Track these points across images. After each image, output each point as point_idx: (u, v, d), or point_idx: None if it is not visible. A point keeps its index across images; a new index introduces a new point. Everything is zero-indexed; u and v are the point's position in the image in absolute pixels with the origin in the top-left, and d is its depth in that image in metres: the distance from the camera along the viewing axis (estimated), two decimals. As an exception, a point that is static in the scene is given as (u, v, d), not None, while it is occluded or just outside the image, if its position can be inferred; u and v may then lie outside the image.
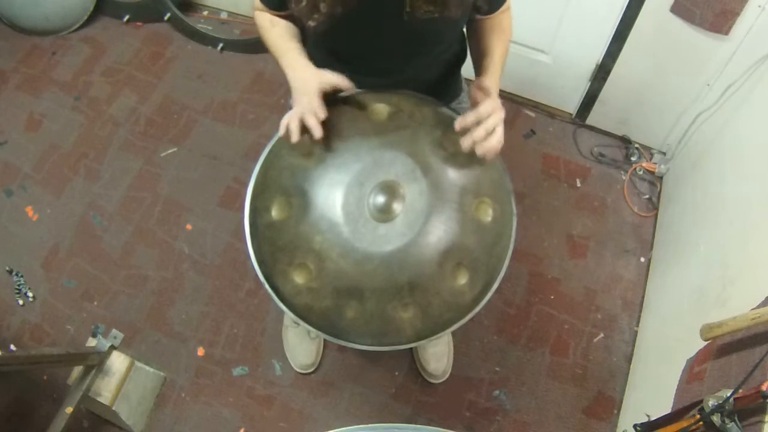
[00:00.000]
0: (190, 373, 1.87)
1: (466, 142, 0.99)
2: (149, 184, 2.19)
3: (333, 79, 1.04)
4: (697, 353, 1.29)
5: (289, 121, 1.02)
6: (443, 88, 1.27)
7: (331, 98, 1.14)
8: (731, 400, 0.95)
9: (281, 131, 1.03)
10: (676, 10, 1.72)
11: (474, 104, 1.03)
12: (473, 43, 1.19)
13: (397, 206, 1.00)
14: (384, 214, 1.00)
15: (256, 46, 2.43)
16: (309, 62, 1.08)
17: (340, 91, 1.07)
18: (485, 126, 0.98)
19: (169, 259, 2.05)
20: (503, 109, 1.03)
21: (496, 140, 0.99)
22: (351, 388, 1.84)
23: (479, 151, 0.99)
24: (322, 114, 1.01)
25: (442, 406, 1.81)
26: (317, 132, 1.00)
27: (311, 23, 0.99)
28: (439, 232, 1.00)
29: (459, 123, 1.02)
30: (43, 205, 2.17)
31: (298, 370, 1.84)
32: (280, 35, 1.13)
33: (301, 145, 1.05)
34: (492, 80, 1.07)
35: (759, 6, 1.59)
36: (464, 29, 1.24)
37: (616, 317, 1.94)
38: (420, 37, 1.07)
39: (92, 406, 1.75)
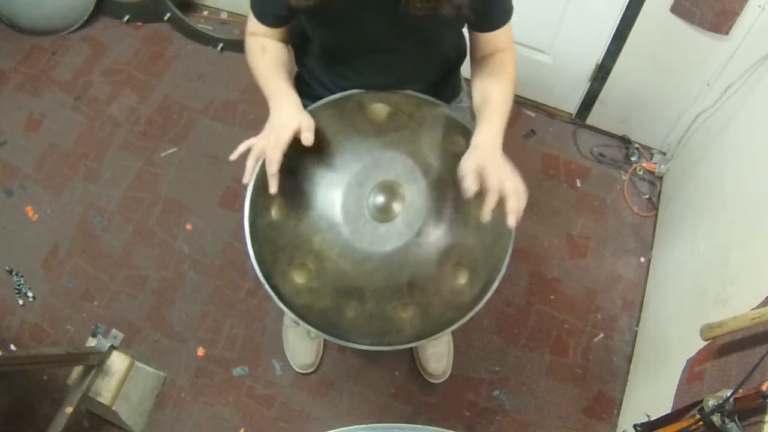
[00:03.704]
0: (190, 373, 1.87)
1: (511, 221, 0.94)
2: (149, 184, 2.19)
3: (309, 126, 0.99)
4: (697, 353, 1.29)
5: (248, 158, 0.99)
6: (443, 87, 1.27)
7: (330, 100, 1.14)
8: (731, 400, 0.95)
9: (246, 180, 0.99)
10: (676, 10, 1.72)
11: (465, 175, 0.96)
12: (473, 87, 1.14)
13: (396, 206, 1.00)
14: (384, 213, 1.00)
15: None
16: (298, 99, 1.05)
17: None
18: (511, 194, 0.94)
19: (169, 259, 2.05)
20: (505, 168, 0.96)
21: (524, 195, 0.95)
22: (351, 388, 1.84)
23: (511, 220, 0.94)
24: (278, 158, 0.96)
25: (442, 406, 1.81)
26: (273, 185, 0.96)
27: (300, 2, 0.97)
28: (439, 232, 1.00)
29: (486, 214, 0.95)
30: (43, 205, 2.17)
31: (298, 370, 1.84)
32: (269, 63, 1.09)
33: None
34: (485, 135, 1.01)
35: (759, 6, 1.59)
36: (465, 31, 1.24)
37: (616, 317, 1.94)
38: (415, 34, 1.05)
39: (92, 406, 1.75)
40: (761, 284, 1.18)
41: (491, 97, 1.06)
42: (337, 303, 1.01)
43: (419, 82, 1.16)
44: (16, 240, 2.10)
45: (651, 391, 1.61)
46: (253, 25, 1.11)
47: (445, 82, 1.28)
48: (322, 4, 0.95)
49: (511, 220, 0.94)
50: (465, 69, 1.31)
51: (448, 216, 1.01)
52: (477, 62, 1.15)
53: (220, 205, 2.14)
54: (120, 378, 1.71)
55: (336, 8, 0.97)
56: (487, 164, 0.95)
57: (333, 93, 1.15)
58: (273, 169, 0.96)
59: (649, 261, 2.03)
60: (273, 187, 0.97)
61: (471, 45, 1.14)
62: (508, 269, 1.05)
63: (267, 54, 1.10)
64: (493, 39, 1.10)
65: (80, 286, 2.01)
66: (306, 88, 1.29)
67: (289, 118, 1.00)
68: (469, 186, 0.94)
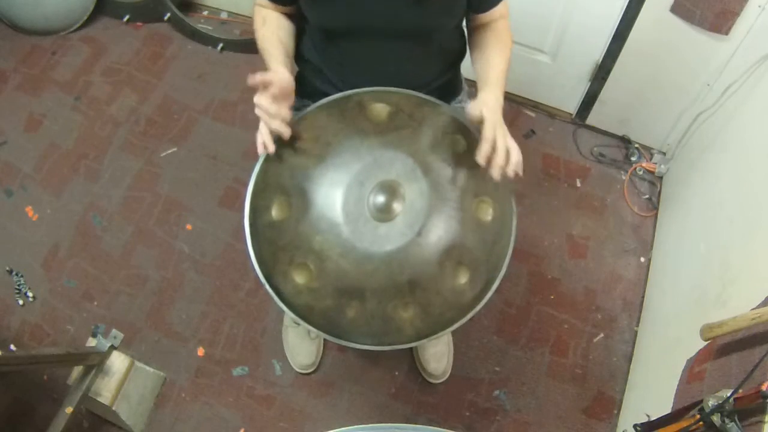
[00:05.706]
0: (190, 373, 1.87)
1: (495, 173, 0.98)
2: (149, 184, 2.19)
3: (281, 80, 1.05)
4: (697, 353, 1.29)
5: (263, 138, 1.05)
6: (443, 86, 1.27)
7: (330, 100, 1.14)
8: (731, 400, 0.95)
9: (260, 150, 1.06)
10: (676, 10, 1.72)
11: (473, 121, 1.02)
12: (474, 56, 1.19)
13: (397, 206, 1.00)
14: (384, 213, 1.00)
15: (256, 46, 2.42)
16: (284, 69, 1.09)
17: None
18: (500, 149, 0.98)
19: (169, 259, 2.05)
20: (501, 124, 1.02)
21: (516, 155, 1.00)
22: (351, 388, 1.84)
23: (510, 172, 1.00)
24: (284, 112, 1.03)
25: (442, 406, 1.81)
26: (285, 132, 1.03)
27: None
28: (440, 232, 1.00)
29: (482, 158, 0.99)
30: (43, 205, 2.17)
31: (298, 370, 1.84)
32: (267, 37, 1.13)
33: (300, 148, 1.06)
34: (491, 94, 1.06)
35: (759, 6, 1.59)
36: (464, 27, 1.24)
37: (616, 317, 1.94)
38: (414, 20, 1.07)
39: (92, 406, 1.75)
40: (761, 284, 1.18)
41: (494, 66, 1.11)
42: (337, 303, 1.01)
43: (418, 75, 1.16)
44: (16, 240, 2.10)
45: (651, 391, 1.61)
46: None
47: (445, 81, 1.28)
48: None
49: (498, 173, 0.99)
50: (465, 69, 1.31)
51: (448, 215, 1.01)
52: (474, 31, 1.20)
53: (220, 205, 2.14)
54: (120, 378, 1.71)
55: None
56: (489, 116, 0.98)
57: (332, 83, 1.16)
58: (285, 135, 1.03)
59: (649, 261, 2.03)
60: (285, 133, 1.03)
61: (468, 19, 1.19)
62: (509, 269, 1.05)
63: (266, 26, 1.15)
64: (491, 14, 1.15)
65: (80, 286, 2.01)
66: (306, 87, 1.29)
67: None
68: (474, 113, 0.99)
